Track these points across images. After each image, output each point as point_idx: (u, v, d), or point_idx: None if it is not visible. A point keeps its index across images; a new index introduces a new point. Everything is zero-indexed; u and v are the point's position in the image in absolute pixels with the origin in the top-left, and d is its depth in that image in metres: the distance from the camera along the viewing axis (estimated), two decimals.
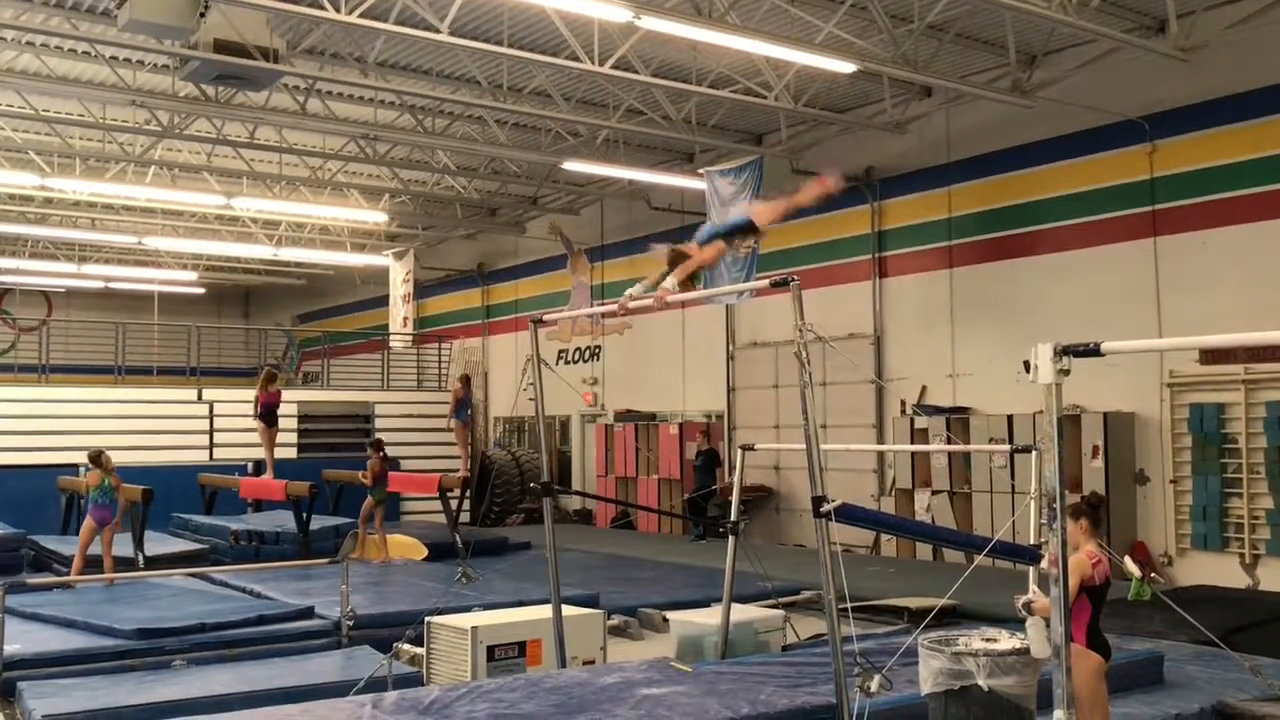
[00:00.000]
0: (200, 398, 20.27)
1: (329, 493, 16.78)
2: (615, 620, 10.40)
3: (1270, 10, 11.78)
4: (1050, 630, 4.65)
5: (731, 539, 8.56)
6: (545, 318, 8.46)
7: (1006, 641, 5.66)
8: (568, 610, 8.31)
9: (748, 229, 7.03)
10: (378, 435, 16.69)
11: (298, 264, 27.98)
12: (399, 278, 25.48)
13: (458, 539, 14.39)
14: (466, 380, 17.84)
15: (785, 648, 9.09)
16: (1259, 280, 12.08)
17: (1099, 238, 13.73)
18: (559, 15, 11.67)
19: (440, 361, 25.05)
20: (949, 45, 13.14)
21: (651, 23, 10.67)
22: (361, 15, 10.73)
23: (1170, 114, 12.96)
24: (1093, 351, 4.23)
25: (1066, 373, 4.29)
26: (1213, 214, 12.66)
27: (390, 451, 20.82)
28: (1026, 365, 4.40)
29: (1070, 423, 13.12)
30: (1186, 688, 7.60)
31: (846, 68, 12.28)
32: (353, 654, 8.94)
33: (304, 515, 14.76)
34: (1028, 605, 5.91)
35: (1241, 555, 12.28)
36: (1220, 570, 12.27)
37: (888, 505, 15.56)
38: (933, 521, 14.58)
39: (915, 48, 12.59)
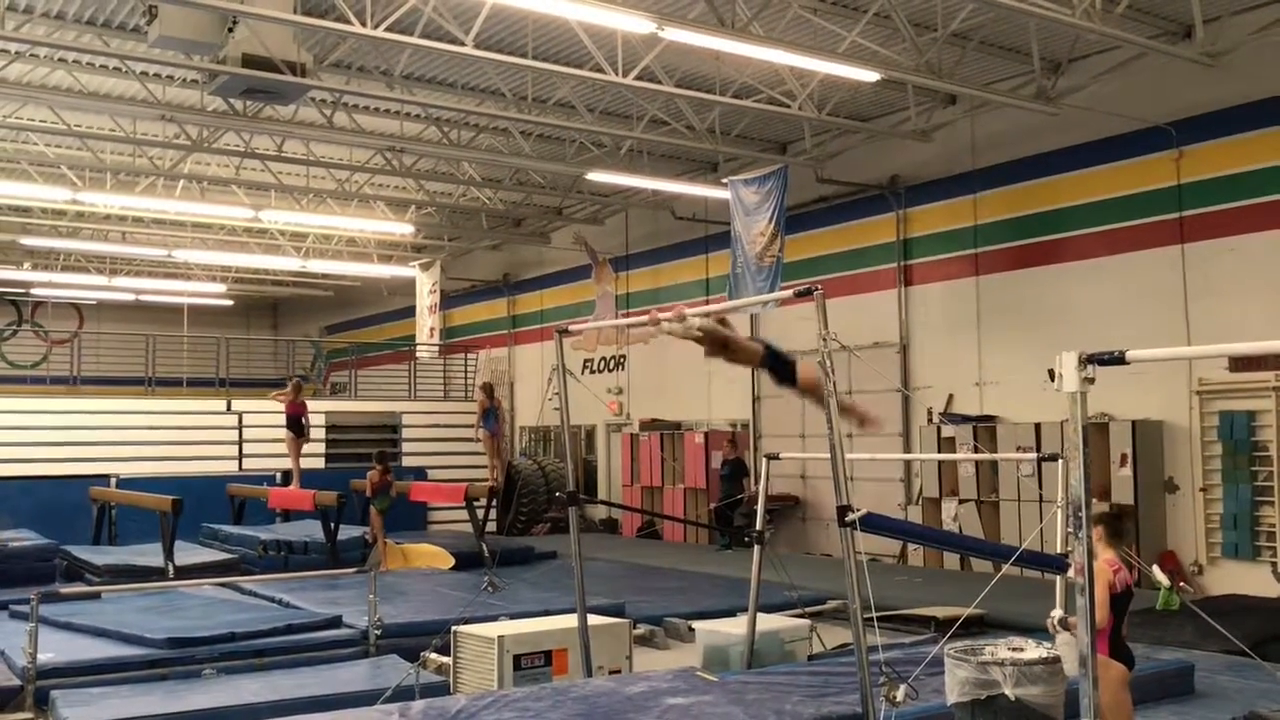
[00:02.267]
0: (229, 408, 20.44)
1: (357, 503, 16.88)
2: (641, 629, 10.42)
3: None
4: (1076, 640, 4.64)
5: (757, 548, 8.56)
6: (570, 328, 8.50)
7: (1033, 651, 5.63)
8: (594, 619, 8.34)
9: (786, 375, 6.27)
10: (381, 449, 16.79)
11: (325, 275, 28.19)
12: (425, 288, 25.63)
13: (484, 548, 14.45)
14: (489, 389, 17.90)
15: (811, 657, 9.09)
16: None
17: (1126, 244, 13.65)
18: (582, 27, 11.74)
19: (467, 371, 25.17)
20: (973, 53, 13.11)
21: (674, 34, 10.72)
22: (387, 29, 10.83)
23: (1197, 120, 12.88)
24: (1118, 360, 4.21)
25: (1091, 381, 4.27)
26: (1240, 220, 12.56)
27: (417, 461, 21.10)
28: (1051, 374, 4.39)
29: (1098, 431, 13.03)
30: (1218, 698, 7.55)
31: (870, 76, 12.28)
32: (380, 663, 8.99)
33: (332, 525, 14.86)
34: (1064, 622, 5.89)
35: (1273, 564, 12.15)
36: (1251, 579, 12.14)
37: (915, 514, 15.51)
38: (960, 530, 14.53)
39: (939, 56, 12.57)
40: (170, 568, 13.28)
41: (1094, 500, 12.32)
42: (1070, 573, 5.38)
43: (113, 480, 18.04)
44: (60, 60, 13.72)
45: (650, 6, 11.13)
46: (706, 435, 19.14)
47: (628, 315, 20.27)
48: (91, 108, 15.06)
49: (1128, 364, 4.21)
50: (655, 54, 12.17)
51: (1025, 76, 13.72)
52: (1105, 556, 5.90)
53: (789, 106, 13.91)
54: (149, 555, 13.89)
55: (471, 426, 19.27)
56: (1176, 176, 13.17)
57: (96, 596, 11.46)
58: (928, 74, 12.49)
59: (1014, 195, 14.96)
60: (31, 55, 13.44)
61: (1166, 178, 13.25)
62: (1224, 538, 12.61)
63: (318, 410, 20.24)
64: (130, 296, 28.82)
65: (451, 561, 14.94)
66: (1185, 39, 12.29)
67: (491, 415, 17.39)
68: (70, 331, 26.22)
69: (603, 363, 22.01)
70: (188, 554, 14.38)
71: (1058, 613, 6.10)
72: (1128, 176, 13.66)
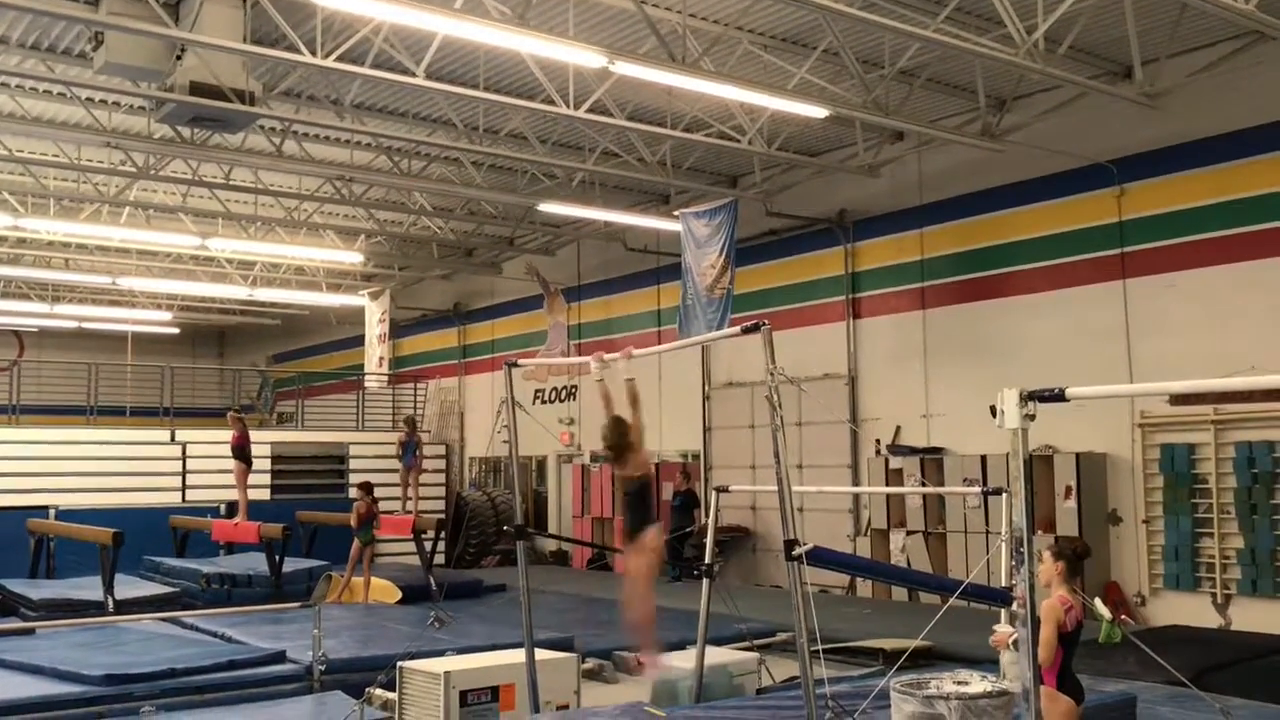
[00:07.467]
0: (173, 439, 20.12)
1: (303, 534, 16.64)
2: (590, 663, 10.35)
3: (1230, 59, 12.05)
4: (1020, 671, 4.67)
5: (706, 582, 8.54)
6: (520, 362, 8.47)
7: (978, 684, 5.67)
8: (541, 654, 8.27)
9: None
10: (367, 479, 16.46)
11: (273, 304, 27.91)
12: (375, 317, 25.47)
13: (432, 581, 14.29)
14: (411, 422, 17.85)
15: (760, 691, 9.06)
16: (1225, 321, 12.24)
17: (1069, 280, 13.88)
18: (534, 60, 11.78)
19: (416, 402, 24.98)
20: (920, 90, 13.32)
21: (626, 68, 10.77)
22: (338, 59, 10.79)
23: (1137, 158, 13.16)
24: (1058, 397, 4.28)
25: (1032, 418, 4.34)
26: (1180, 257, 12.83)
27: None
28: (993, 410, 4.44)
29: (1042, 463, 13.20)
30: None
31: (819, 113, 12.42)
32: (324, 699, 8.84)
33: (277, 558, 14.64)
34: (1016, 643, 5.92)
35: (1214, 595, 12.35)
36: (1193, 610, 12.33)
37: (863, 545, 15.57)
38: (908, 562, 14.61)
39: (886, 93, 12.75)
40: (110, 602, 13.02)
41: (1045, 533, 12.50)
42: (1015, 605, 5.42)
43: (52, 512, 17.65)
44: (3, 85, 13.50)
45: (602, 41, 11.21)
46: (658, 466, 19.04)
47: (578, 349, 20.33)
48: (35, 133, 14.84)
49: (1068, 401, 4.28)
50: (607, 87, 12.24)
51: (971, 114, 13.95)
52: (1059, 594, 5.95)
53: (739, 141, 14.03)
54: (88, 589, 13.61)
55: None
56: (1118, 213, 13.43)
57: (31, 632, 11.19)
58: (875, 110, 12.65)
59: (960, 230, 15.17)
60: None
61: (1108, 214, 13.50)
62: (1166, 569, 12.79)
63: (264, 440, 19.96)
64: (73, 324, 28.33)
65: (398, 595, 14.76)
66: (1125, 79, 12.56)
67: (410, 449, 17.27)
68: (10, 360, 25.68)
69: (554, 393, 21.95)
70: (128, 587, 14.10)
71: (1011, 632, 6.03)
72: (1071, 213, 13.90)
